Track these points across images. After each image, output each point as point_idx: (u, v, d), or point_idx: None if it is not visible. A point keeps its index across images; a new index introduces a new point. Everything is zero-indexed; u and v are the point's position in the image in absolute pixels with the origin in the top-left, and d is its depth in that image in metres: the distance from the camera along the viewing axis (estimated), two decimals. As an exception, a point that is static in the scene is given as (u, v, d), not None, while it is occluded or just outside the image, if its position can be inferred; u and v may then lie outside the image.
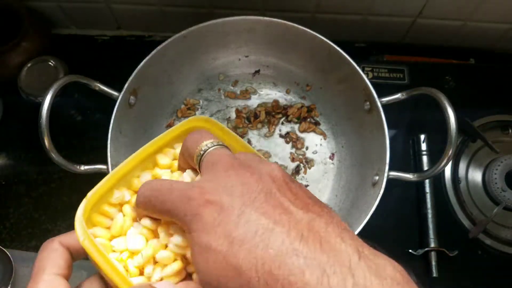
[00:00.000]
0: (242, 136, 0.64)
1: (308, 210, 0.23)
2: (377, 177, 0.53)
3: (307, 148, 0.63)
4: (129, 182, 0.31)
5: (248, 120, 0.64)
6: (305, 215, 0.23)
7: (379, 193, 0.50)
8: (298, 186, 0.25)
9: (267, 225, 0.22)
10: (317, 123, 0.64)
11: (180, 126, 0.34)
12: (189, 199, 0.24)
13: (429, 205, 0.61)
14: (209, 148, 0.27)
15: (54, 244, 0.28)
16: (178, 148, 0.33)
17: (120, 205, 0.31)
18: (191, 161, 0.28)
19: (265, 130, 0.64)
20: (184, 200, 0.24)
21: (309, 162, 0.62)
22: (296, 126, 0.64)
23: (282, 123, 0.64)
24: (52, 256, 0.27)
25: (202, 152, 0.27)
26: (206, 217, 0.23)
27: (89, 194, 0.29)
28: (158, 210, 0.26)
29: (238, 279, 0.21)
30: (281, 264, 0.20)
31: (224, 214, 0.22)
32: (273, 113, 0.64)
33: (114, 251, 0.28)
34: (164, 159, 0.33)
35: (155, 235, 0.29)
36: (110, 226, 0.30)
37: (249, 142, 0.64)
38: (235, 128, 0.64)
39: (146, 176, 0.32)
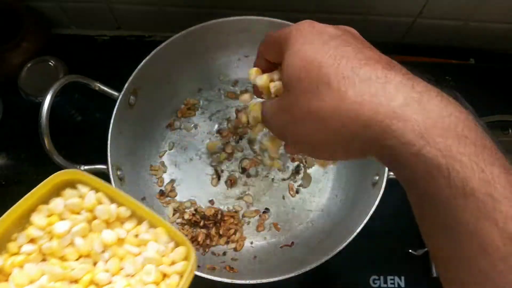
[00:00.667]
0: (242, 136, 0.64)
1: (375, 51, 0.28)
2: (377, 177, 0.53)
3: (307, 148, 0.63)
4: (5, 246, 0.32)
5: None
6: (375, 54, 0.28)
7: (379, 193, 0.50)
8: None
9: (354, 49, 0.27)
10: (317, 123, 0.64)
11: (52, 179, 0.35)
12: (296, 25, 0.29)
13: (429, 205, 0.61)
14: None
15: None
16: (53, 203, 0.34)
17: None
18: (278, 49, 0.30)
19: (265, 130, 0.64)
20: (292, 26, 0.29)
21: (309, 162, 0.62)
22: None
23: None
24: None
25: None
26: (303, 29, 0.28)
27: None
28: (272, 41, 0.31)
29: (316, 73, 0.25)
30: (361, 69, 0.25)
31: (318, 31, 0.28)
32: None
33: None
34: (39, 219, 0.33)
35: None
36: None
37: (250, 142, 0.64)
38: (235, 128, 0.64)
39: (22, 239, 0.33)
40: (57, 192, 0.35)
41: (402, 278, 0.59)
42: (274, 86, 0.31)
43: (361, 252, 0.58)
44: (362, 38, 0.31)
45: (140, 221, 0.36)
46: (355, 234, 0.49)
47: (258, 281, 0.48)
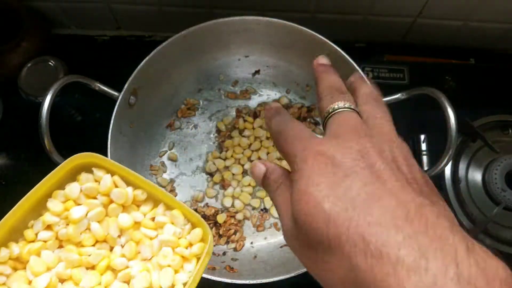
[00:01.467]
0: (241, 132, 0.64)
1: (421, 194, 0.22)
2: (377, 177, 0.53)
3: (307, 148, 0.63)
4: (22, 233, 0.32)
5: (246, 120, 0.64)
6: (418, 198, 0.21)
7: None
8: (418, 170, 0.24)
9: (372, 194, 0.21)
10: (317, 123, 0.64)
11: (67, 163, 0.34)
12: (305, 147, 0.24)
13: (429, 205, 0.61)
14: (339, 108, 0.27)
15: None
16: (69, 188, 0.33)
17: (11, 260, 0.31)
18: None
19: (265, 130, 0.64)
20: (300, 147, 0.25)
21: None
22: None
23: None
24: None
25: (331, 111, 0.27)
26: (312, 166, 0.23)
27: None
28: (280, 146, 0.27)
29: (324, 227, 0.21)
30: (377, 232, 0.19)
31: (330, 168, 0.22)
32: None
33: None
34: (55, 205, 0.33)
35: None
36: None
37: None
38: (235, 128, 0.64)
39: (38, 226, 0.32)
40: (72, 176, 0.34)
41: (402, 278, 0.58)
42: None
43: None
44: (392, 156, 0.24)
45: (156, 203, 0.35)
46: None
47: (258, 281, 0.48)
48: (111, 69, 0.64)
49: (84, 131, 0.67)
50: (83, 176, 0.34)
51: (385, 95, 0.54)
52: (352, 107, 0.27)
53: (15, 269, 0.31)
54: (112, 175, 0.34)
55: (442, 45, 0.72)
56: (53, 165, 0.50)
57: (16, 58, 0.65)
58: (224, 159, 0.63)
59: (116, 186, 0.34)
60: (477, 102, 0.68)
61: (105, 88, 0.54)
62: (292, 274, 0.48)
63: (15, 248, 0.31)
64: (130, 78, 0.54)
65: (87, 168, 0.35)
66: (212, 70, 0.65)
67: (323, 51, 0.57)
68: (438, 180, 0.63)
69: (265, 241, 0.59)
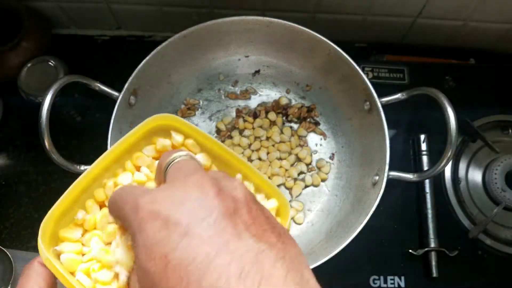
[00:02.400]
0: (241, 132, 0.64)
1: (261, 239, 0.21)
2: (377, 177, 0.53)
3: (307, 148, 0.63)
4: (94, 192, 0.30)
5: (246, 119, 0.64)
6: (256, 244, 0.20)
7: (379, 193, 0.50)
8: (259, 209, 0.23)
9: (208, 254, 0.20)
10: (317, 123, 0.64)
11: (146, 124, 0.32)
12: (137, 209, 0.22)
13: (429, 205, 0.61)
14: (177, 158, 0.25)
15: (34, 265, 0.27)
16: (146, 151, 0.32)
17: (82, 225, 0.30)
18: (160, 175, 0.26)
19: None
20: (133, 209, 0.22)
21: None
22: (296, 126, 0.64)
23: (283, 123, 0.64)
24: (33, 278, 0.27)
25: (169, 162, 0.25)
26: (148, 232, 0.21)
27: (50, 211, 0.28)
28: (116, 216, 0.25)
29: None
30: None
31: (165, 232, 0.21)
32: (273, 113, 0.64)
33: (84, 261, 0.28)
34: (142, 160, 0.31)
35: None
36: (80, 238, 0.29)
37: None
38: (235, 128, 0.64)
39: (125, 177, 0.31)
40: (148, 140, 0.32)
41: (402, 278, 0.59)
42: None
43: (361, 252, 0.58)
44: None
45: (234, 174, 0.33)
46: (355, 234, 0.49)
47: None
48: (111, 69, 0.65)
49: (84, 131, 0.67)
50: (160, 140, 0.32)
51: (385, 95, 0.54)
52: (192, 155, 0.26)
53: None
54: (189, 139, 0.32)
55: (442, 45, 0.72)
56: (53, 165, 0.50)
57: (16, 58, 0.65)
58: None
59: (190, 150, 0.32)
60: (477, 102, 0.68)
61: (105, 88, 0.54)
62: (292, 274, 0.48)
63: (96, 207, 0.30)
64: (130, 78, 0.54)
65: (165, 132, 0.33)
66: (212, 70, 0.65)
67: (323, 51, 0.57)
68: (438, 180, 0.63)
69: (265, 241, 0.59)
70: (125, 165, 0.31)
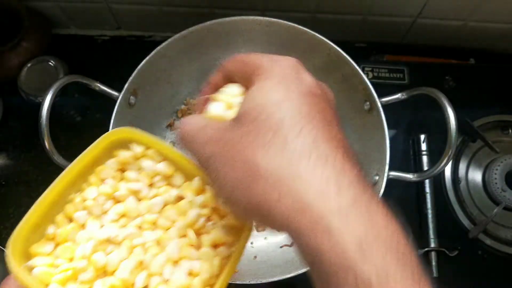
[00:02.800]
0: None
1: (344, 140, 0.24)
2: (377, 177, 0.53)
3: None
4: (62, 208, 0.31)
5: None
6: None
7: (379, 193, 0.50)
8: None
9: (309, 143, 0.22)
10: (317, 123, 0.64)
11: (104, 139, 0.32)
12: (262, 56, 0.26)
13: (429, 205, 0.61)
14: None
15: (10, 279, 0.28)
16: (109, 164, 0.32)
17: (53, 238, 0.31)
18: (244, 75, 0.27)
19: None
20: (258, 57, 0.26)
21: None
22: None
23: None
24: None
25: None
26: (283, 66, 0.26)
27: (17, 228, 0.30)
28: (243, 64, 0.27)
29: (275, 128, 0.22)
30: (324, 169, 0.21)
31: (297, 77, 0.25)
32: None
33: (58, 272, 0.28)
34: (106, 173, 0.32)
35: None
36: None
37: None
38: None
39: (91, 192, 0.32)
40: (108, 155, 0.33)
41: (402, 278, 0.58)
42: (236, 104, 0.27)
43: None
44: (335, 110, 0.26)
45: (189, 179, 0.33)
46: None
47: (258, 281, 0.48)
48: (111, 69, 0.65)
49: (84, 131, 0.67)
50: (121, 153, 0.33)
51: (385, 95, 0.54)
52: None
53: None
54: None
55: (442, 45, 0.72)
56: (53, 165, 0.50)
57: (16, 58, 0.65)
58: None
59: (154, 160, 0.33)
60: (477, 102, 0.68)
61: (105, 88, 0.54)
62: (292, 274, 0.48)
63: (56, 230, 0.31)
64: (130, 78, 0.54)
65: (124, 145, 0.33)
66: (212, 70, 0.64)
67: (323, 51, 0.57)
68: (438, 180, 0.63)
69: (265, 241, 0.59)
70: (89, 179, 0.32)
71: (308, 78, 0.26)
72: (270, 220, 0.22)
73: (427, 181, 0.62)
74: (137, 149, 0.33)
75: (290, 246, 0.58)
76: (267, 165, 0.21)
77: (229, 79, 0.29)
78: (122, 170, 0.33)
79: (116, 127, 0.53)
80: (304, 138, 0.22)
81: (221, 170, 0.23)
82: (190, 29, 0.56)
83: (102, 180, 0.33)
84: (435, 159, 0.52)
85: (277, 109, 0.22)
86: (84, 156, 0.32)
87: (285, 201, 0.21)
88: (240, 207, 0.23)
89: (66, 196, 0.32)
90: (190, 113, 0.65)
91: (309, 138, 0.22)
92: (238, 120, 0.23)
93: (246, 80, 0.26)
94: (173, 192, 0.32)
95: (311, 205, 0.20)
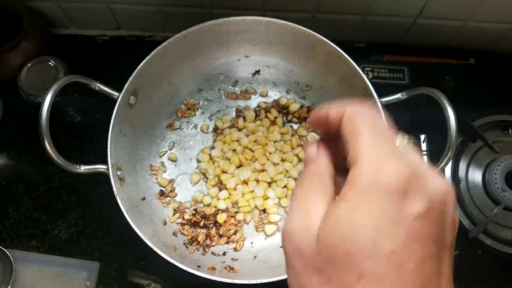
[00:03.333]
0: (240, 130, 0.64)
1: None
2: (377, 177, 0.53)
3: (307, 148, 0.63)
4: None
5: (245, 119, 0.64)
6: None
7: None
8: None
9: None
10: (317, 123, 0.64)
11: None
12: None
13: (429, 205, 0.61)
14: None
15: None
16: None
17: None
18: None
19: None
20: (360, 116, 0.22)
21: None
22: (296, 126, 0.64)
23: (283, 123, 0.64)
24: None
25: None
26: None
27: None
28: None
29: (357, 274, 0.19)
30: None
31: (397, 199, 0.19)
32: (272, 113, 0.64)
33: None
34: None
35: None
36: None
37: (249, 142, 0.64)
38: (234, 127, 0.64)
39: None
40: None
41: (402, 278, 0.58)
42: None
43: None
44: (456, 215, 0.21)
45: None
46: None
47: (258, 281, 0.48)
48: (111, 69, 0.65)
49: (84, 131, 0.67)
50: None
51: (385, 95, 0.54)
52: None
53: None
54: None
55: (442, 45, 0.72)
56: (53, 165, 0.50)
57: (16, 58, 0.65)
58: (220, 159, 0.62)
59: None
60: (477, 102, 0.68)
61: (105, 88, 0.54)
62: (292, 274, 0.48)
63: None
64: (130, 78, 0.54)
65: None
66: (212, 70, 0.65)
67: (323, 51, 0.57)
68: (438, 180, 0.63)
69: (265, 241, 0.59)
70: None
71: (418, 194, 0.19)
72: None
73: (427, 181, 0.62)
74: None
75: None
76: None
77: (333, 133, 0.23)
78: None
79: (116, 127, 0.53)
80: None
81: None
82: (190, 29, 0.56)
83: None
84: (435, 159, 0.52)
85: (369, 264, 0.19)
86: None
87: None
88: None
89: None
90: (190, 113, 0.65)
91: None
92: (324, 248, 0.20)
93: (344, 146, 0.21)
94: None
95: None
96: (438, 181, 0.20)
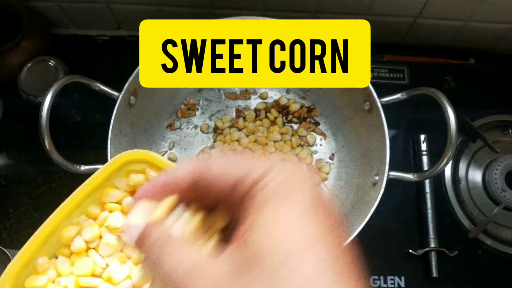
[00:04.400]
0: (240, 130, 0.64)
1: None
2: (377, 177, 0.53)
3: (307, 148, 0.63)
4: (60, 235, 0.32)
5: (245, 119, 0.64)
6: None
7: (379, 193, 0.50)
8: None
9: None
10: (317, 123, 0.64)
11: (114, 162, 0.30)
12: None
13: (429, 205, 0.61)
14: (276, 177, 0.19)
15: None
16: (120, 184, 0.31)
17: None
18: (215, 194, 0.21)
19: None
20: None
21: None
22: (296, 126, 0.64)
23: (283, 123, 0.64)
24: None
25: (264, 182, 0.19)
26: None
27: (8, 268, 0.29)
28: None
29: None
30: None
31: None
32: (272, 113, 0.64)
33: None
34: (112, 196, 0.31)
35: None
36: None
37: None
38: (234, 127, 0.64)
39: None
40: (119, 174, 0.32)
41: (402, 278, 0.59)
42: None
43: (361, 252, 0.58)
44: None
45: None
46: (355, 234, 0.49)
47: None
48: (111, 69, 0.65)
49: (84, 131, 0.67)
50: (132, 176, 0.31)
51: (385, 95, 0.54)
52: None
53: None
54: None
55: (442, 45, 0.72)
56: (53, 165, 0.50)
57: (16, 58, 0.65)
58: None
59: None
60: (477, 102, 0.68)
61: (105, 88, 0.54)
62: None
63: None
64: (130, 78, 0.54)
65: (140, 164, 0.32)
66: (212, 70, 0.65)
67: (323, 51, 0.57)
68: (438, 180, 0.63)
69: (265, 241, 0.59)
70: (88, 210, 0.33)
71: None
72: None
73: (427, 181, 0.62)
74: (153, 174, 0.31)
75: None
76: None
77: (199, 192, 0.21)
78: (131, 193, 0.32)
79: (116, 127, 0.53)
80: None
81: None
82: (190, 29, 0.56)
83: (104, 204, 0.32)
84: (435, 159, 0.52)
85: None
86: (89, 182, 0.32)
87: None
88: None
89: (72, 219, 0.33)
90: (190, 113, 0.65)
91: None
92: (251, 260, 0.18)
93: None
94: None
95: None
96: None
